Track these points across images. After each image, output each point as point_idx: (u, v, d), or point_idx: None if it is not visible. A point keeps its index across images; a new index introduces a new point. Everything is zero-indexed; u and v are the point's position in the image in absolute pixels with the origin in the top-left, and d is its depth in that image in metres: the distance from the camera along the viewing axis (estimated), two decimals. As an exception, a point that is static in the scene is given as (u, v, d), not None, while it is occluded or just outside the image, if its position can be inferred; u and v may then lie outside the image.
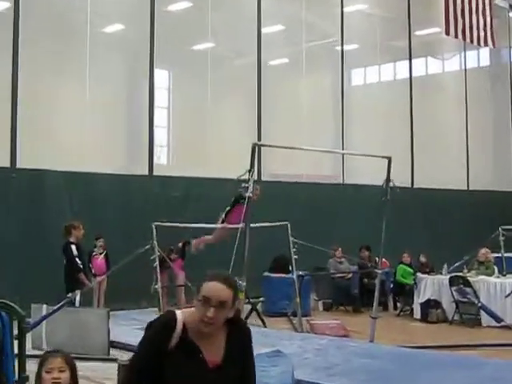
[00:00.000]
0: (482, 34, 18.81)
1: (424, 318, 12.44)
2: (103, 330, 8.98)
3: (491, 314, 11.64)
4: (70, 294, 9.55)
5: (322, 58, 19.24)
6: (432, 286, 12.61)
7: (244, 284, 7.95)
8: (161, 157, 17.67)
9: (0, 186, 12.34)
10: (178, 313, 2.87)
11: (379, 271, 10.30)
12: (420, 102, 20.17)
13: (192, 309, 2.89)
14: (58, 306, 8.91)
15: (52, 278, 10.73)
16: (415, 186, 19.59)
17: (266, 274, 13.28)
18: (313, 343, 9.05)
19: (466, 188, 21.29)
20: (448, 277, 12.39)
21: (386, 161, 9.68)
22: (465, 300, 11.99)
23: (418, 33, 20.69)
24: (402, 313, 13.36)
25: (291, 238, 11.27)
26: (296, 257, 11.36)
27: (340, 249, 14.13)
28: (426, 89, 21.04)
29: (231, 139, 16.75)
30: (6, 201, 12.35)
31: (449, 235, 18.54)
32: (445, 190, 19.77)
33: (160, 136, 17.08)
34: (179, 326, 2.83)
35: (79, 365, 3.78)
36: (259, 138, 15.90)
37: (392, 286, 13.91)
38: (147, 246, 9.27)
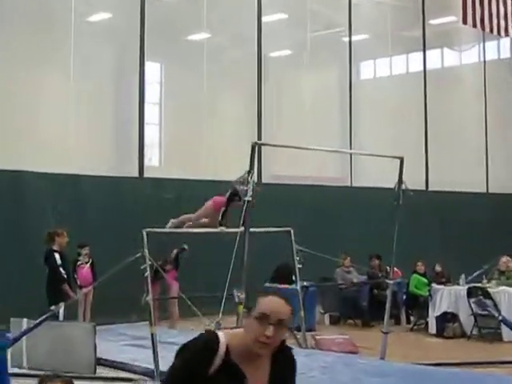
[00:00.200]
0: (502, 23, 18.81)
1: (440, 333, 12.44)
2: (89, 346, 8.97)
3: (513, 328, 11.63)
4: (52, 307, 9.54)
5: (327, 49, 19.26)
6: (448, 298, 12.60)
7: (243, 296, 7.94)
8: (152, 157, 17.68)
9: (-24, 190, 12.36)
10: (220, 334, 2.85)
11: (391, 281, 10.29)
12: (435, 97, 20.19)
13: (235, 330, 2.88)
14: (40, 319, 8.89)
15: (33, 290, 10.71)
16: (430, 189, 19.60)
17: (268, 284, 13.26)
18: (318, 360, 9.04)
19: (485, 191, 21.30)
20: (466, 288, 12.38)
21: (398, 161, 9.68)
22: (484, 313, 11.97)
23: (432, 22, 20.71)
24: (415, 327, 13.35)
25: (295, 246, 11.24)
26: (300, 266, 11.34)
27: (348, 257, 14.13)
28: (441, 83, 21.06)
29: (229, 138, 16.77)
30: (-18, 205, 12.35)
31: (467, 242, 18.54)
32: (462, 193, 19.78)
33: (151, 135, 17.09)
34: (222, 348, 2.79)
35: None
36: (259, 137, 15.91)
37: (405, 297, 13.90)
38: (137, 255, 9.23)
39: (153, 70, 17.32)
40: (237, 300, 7.97)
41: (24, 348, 9.10)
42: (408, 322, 13.83)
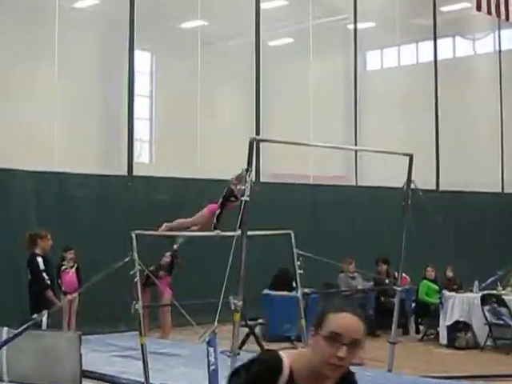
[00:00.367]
0: (519, 9, 18.85)
1: (451, 344, 12.45)
2: (74, 357, 8.97)
3: (530, 338, 11.66)
4: (35, 315, 9.55)
5: (331, 38, 19.27)
6: (461, 306, 12.62)
7: (240, 304, 7.95)
8: (142, 154, 17.70)
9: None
10: (283, 354, 2.77)
11: (399, 288, 10.31)
12: (447, 89, 20.20)
13: (299, 350, 2.82)
14: (22, 328, 8.89)
15: (14, 296, 10.72)
16: (441, 189, 19.62)
17: (266, 291, 13.29)
18: (321, 373, 9.03)
19: (500, 190, 21.33)
20: (479, 295, 12.40)
21: (407, 158, 9.70)
22: (499, 322, 12.00)
23: (444, 9, 20.73)
24: (425, 337, 13.36)
25: (295, 250, 11.25)
26: (301, 271, 11.34)
27: (353, 262, 14.14)
28: (453, 74, 21.07)
29: (225, 133, 16.78)
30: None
31: (480, 246, 18.57)
32: (475, 193, 19.81)
33: (141, 129, 17.11)
34: (286, 371, 2.72)
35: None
36: (258, 132, 15.93)
37: (414, 305, 13.93)
38: (126, 259, 9.24)
39: (143, 59, 17.34)
40: (233, 308, 7.98)
41: (4, 359, 9.10)
42: (417, 331, 13.85)
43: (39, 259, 10.45)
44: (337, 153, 18.04)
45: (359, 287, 14.19)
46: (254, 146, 8.22)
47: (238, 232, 8.16)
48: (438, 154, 19.84)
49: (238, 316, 7.97)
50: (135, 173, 14.52)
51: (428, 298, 13.61)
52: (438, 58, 20.45)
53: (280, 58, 18.59)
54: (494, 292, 12.52)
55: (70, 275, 11.94)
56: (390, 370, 9.61)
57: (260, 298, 12.94)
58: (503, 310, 11.96)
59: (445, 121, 20.02)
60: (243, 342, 10.87)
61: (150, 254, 10.63)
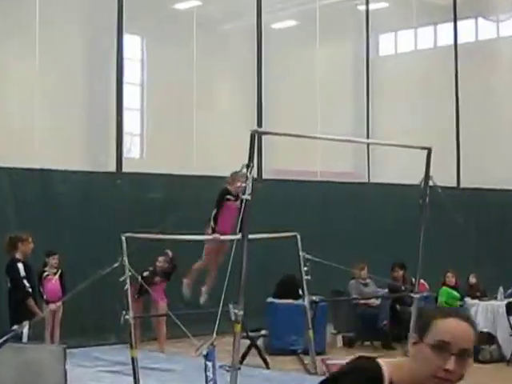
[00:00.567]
0: (547, -12, 18.86)
1: (474, 357, 12.27)
2: (58, 373, 8.96)
3: (561, 350, 11.66)
4: (15, 326, 9.55)
5: (341, 20, 19.27)
6: (484, 315, 12.62)
7: (241, 313, 7.96)
8: (132, 149, 17.71)
9: None
10: (383, 364, 2.70)
11: (416, 296, 10.31)
12: (468, 75, 20.17)
13: (398, 360, 2.75)
14: (1, 341, 8.91)
15: (-8, 306, 10.72)
16: (462, 186, 19.60)
17: (270, 299, 13.28)
18: (330, 389, 9.03)
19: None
20: (505, 303, 12.40)
21: (425, 152, 9.70)
22: (527, 333, 12.00)
23: (464, -13, 20.73)
24: (445, 349, 13.35)
25: (302, 254, 11.28)
26: (308, 277, 11.37)
27: (365, 267, 14.14)
28: (475, 59, 21.05)
29: (224, 125, 16.78)
30: None
31: (506, 249, 18.56)
32: (499, 191, 19.78)
33: (131, 122, 17.11)
34: (386, 383, 2.65)
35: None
36: (259, 124, 15.91)
37: (432, 314, 13.91)
38: (116, 264, 9.26)
39: (133, 44, 17.34)
40: (233, 318, 7.98)
41: (-19, 375, 9.12)
42: (436, 343, 13.83)
43: (20, 265, 10.44)
44: (347, 147, 18.03)
45: (372, 295, 14.17)
46: (255, 140, 8.24)
47: (239, 236, 8.17)
48: (459, 148, 19.75)
49: (238, 327, 7.98)
50: (124, 169, 14.51)
51: (448, 306, 13.61)
52: (459, 42, 20.42)
53: (284, 42, 18.59)
54: (521, 300, 12.52)
55: (53, 282, 11.92)
56: (406, 386, 9.60)
57: (263, 307, 12.94)
58: (531, 320, 11.96)
59: (466, 110, 19.96)
60: (244, 356, 10.88)
61: (141, 258, 10.67)
